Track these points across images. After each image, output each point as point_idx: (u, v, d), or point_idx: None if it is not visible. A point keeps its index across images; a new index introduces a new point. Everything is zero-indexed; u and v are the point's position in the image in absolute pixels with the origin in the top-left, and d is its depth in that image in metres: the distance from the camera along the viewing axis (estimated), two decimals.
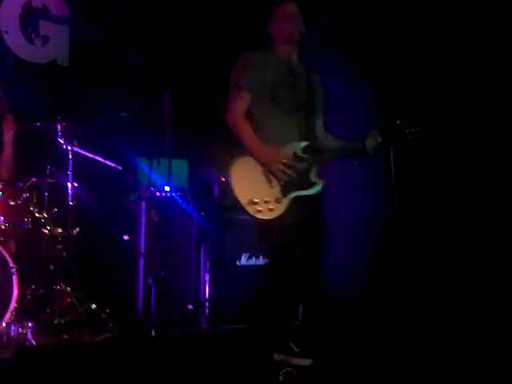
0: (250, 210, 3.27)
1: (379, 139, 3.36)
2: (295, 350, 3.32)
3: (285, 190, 3.32)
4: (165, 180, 4.88)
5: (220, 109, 3.49)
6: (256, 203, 3.27)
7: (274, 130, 3.39)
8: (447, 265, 4.23)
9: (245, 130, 3.36)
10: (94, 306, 4.25)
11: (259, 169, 3.35)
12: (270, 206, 3.28)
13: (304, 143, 3.38)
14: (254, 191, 3.29)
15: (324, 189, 3.40)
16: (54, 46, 5.47)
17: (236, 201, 3.31)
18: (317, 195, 3.38)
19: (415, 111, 3.31)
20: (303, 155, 3.35)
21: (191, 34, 5.77)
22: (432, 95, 4.21)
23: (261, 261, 4.56)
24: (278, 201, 3.31)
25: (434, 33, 4.26)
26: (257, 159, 3.31)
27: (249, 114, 3.40)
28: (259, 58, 3.46)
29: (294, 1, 3.54)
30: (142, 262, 4.43)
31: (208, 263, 4.42)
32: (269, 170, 3.30)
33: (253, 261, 4.57)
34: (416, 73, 4.35)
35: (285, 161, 3.28)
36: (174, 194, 4.57)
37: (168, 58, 5.89)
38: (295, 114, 3.42)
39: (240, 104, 3.40)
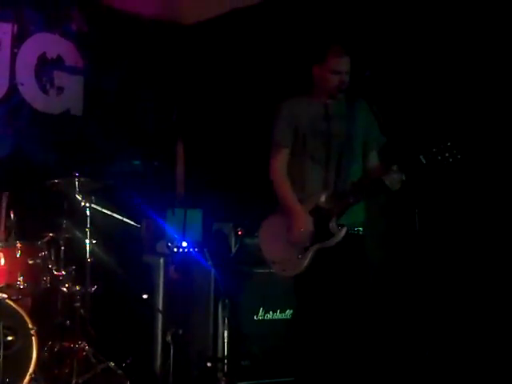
0: (275, 268, 3.46)
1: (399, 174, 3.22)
2: None
3: (306, 245, 3.36)
4: (180, 231, 4.89)
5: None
6: (280, 263, 3.42)
7: (307, 183, 3.44)
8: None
9: (284, 188, 3.44)
10: (111, 363, 4.22)
11: (283, 227, 3.42)
12: (292, 264, 3.38)
13: (326, 193, 3.39)
14: (278, 250, 3.43)
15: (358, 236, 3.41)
16: (68, 96, 5.50)
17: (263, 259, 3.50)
18: (349, 243, 3.36)
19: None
20: (325, 206, 3.38)
21: (205, 80, 5.81)
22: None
23: (278, 314, 4.55)
24: (299, 257, 3.38)
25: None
26: (292, 218, 3.36)
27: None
28: (294, 108, 3.47)
29: (348, 55, 3.42)
30: (160, 319, 4.40)
31: (226, 319, 4.39)
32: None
33: (270, 315, 4.55)
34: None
35: (301, 229, 3.34)
36: (191, 250, 4.56)
37: (180, 107, 5.97)
38: (330, 161, 3.42)
39: (280, 161, 3.48)
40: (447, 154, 3.15)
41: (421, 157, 3.18)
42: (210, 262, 4.52)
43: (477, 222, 4.13)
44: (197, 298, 4.55)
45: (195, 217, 5.17)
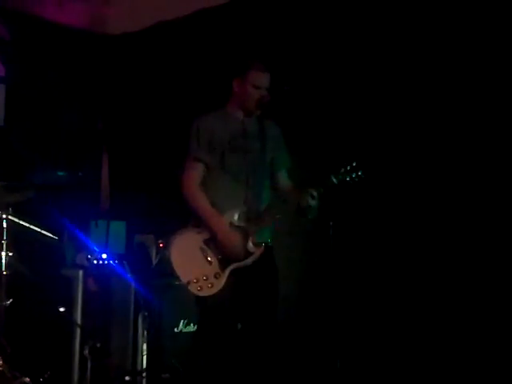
0: (191, 288, 3.34)
1: (314, 194, 3.30)
2: None
3: (222, 264, 3.35)
4: (102, 243, 4.85)
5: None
6: (196, 282, 3.32)
7: (223, 199, 3.40)
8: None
9: (201, 202, 3.38)
10: (27, 379, 4.12)
11: (197, 244, 3.38)
12: (209, 284, 3.32)
13: (239, 211, 3.38)
14: (193, 269, 3.34)
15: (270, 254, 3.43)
16: None
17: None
18: (264, 262, 3.40)
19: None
20: (239, 224, 3.38)
21: (130, 91, 5.79)
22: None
23: None
24: (216, 276, 3.34)
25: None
26: (214, 232, 3.33)
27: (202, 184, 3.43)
28: (208, 123, 3.46)
29: (268, 71, 3.46)
30: (78, 332, 4.34)
31: (145, 332, 4.37)
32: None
33: (191, 327, 4.55)
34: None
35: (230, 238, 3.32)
36: (111, 262, 4.53)
37: (106, 117, 5.92)
38: (245, 179, 3.42)
39: (194, 175, 3.43)
40: (354, 175, 3.32)
41: (332, 177, 3.32)
42: (130, 275, 4.50)
43: (388, 232, 4.28)
44: (116, 311, 4.51)
45: (119, 229, 5.14)
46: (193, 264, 3.35)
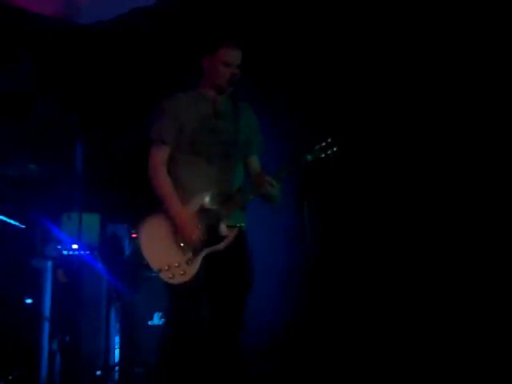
0: (162, 276, 3.18)
1: (273, 183, 3.19)
2: None
3: (195, 249, 3.20)
4: (75, 236, 4.68)
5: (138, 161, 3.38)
6: (167, 270, 3.16)
7: (194, 182, 3.26)
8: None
9: (163, 186, 3.23)
10: None
11: (168, 229, 3.22)
12: (181, 271, 3.16)
13: (210, 193, 3.24)
14: (164, 256, 3.18)
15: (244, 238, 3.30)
16: None
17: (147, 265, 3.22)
18: (237, 246, 3.26)
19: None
20: (210, 207, 3.24)
21: (105, 78, 5.66)
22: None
23: None
24: (189, 262, 3.19)
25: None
26: (173, 219, 3.19)
27: (170, 166, 3.28)
28: (178, 104, 3.31)
29: (239, 49, 3.32)
30: (46, 326, 4.17)
31: (118, 325, 4.21)
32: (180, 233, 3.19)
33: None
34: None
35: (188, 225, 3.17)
36: (82, 253, 4.37)
37: (80, 108, 5.77)
38: (217, 160, 3.28)
39: (159, 158, 3.27)
40: (329, 151, 3.22)
41: (306, 155, 3.21)
42: (102, 266, 4.34)
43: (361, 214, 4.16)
44: (87, 303, 4.34)
45: (92, 221, 4.98)
46: (164, 250, 3.20)
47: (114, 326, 4.26)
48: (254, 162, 3.48)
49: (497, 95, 3.73)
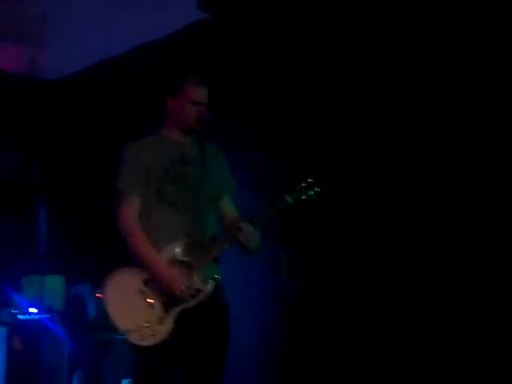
0: (131, 338, 2.84)
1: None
2: None
3: (166, 307, 2.88)
4: (37, 299, 4.40)
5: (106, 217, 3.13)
6: (136, 330, 2.83)
7: (163, 231, 2.97)
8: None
9: (142, 243, 2.93)
10: None
11: (135, 285, 2.92)
12: (151, 331, 2.84)
13: (181, 243, 2.95)
14: (132, 315, 2.86)
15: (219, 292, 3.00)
16: None
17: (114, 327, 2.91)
18: (212, 301, 2.94)
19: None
20: (182, 258, 2.95)
21: (68, 138, 5.51)
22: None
23: None
24: (160, 321, 2.87)
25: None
26: (157, 276, 2.89)
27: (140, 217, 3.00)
28: (139, 150, 3.05)
29: (206, 87, 3.11)
30: None
31: None
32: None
33: None
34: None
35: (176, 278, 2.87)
36: (41, 316, 4.07)
37: (43, 166, 5.60)
38: (186, 207, 3.01)
39: (129, 210, 2.99)
40: (311, 192, 3.02)
41: (285, 196, 2.99)
42: (63, 330, 4.03)
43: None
44: (47, 372, 4.03)
45: (56, 283, 4.72)
46: (131, 309, 2.88)
47: None
48: (227, 204, 3.23)
49: (496, 102, 3.53)
